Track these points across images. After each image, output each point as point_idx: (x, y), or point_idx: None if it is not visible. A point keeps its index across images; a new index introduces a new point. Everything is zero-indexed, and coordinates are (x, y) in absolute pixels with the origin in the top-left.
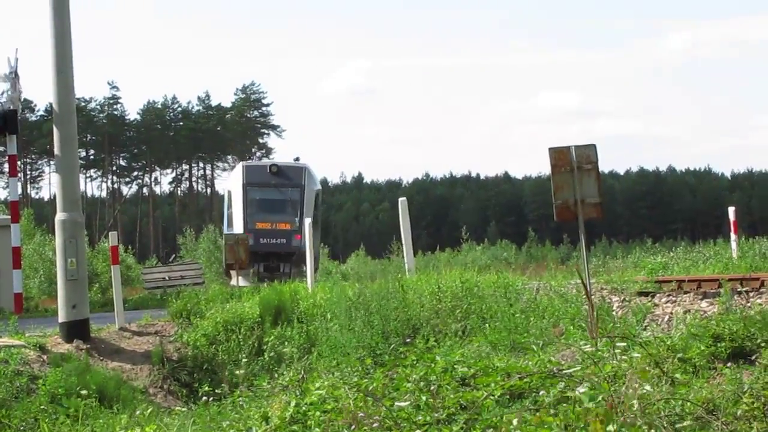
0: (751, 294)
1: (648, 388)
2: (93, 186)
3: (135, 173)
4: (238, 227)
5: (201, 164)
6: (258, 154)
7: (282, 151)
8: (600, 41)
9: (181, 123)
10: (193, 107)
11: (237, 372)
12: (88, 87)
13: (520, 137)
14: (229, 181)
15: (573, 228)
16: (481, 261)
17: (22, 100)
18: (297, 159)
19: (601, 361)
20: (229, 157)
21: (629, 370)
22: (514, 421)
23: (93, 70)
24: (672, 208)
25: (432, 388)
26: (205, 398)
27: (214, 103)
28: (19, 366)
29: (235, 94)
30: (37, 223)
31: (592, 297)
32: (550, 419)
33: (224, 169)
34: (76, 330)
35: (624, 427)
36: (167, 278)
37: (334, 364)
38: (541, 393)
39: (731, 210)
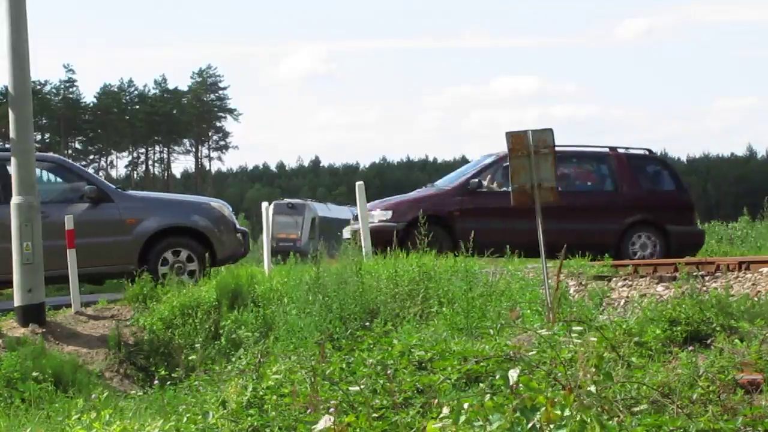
0: (706, 278)
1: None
2: None
3: (91, 157)
4: (268, 238)
5: (157, 148)
6: (219, 149)
7: (239, 134)
8: (557, 26)
9: (138, 106)
10: (149, 91)
11: (193, 356)
12: (44, 69)
13: (477, 121)
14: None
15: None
16: None
17: None
18: (307, 198)
19: (557, 345)
20: (186, 140)
21: (584, 354)
22: (465, 405)
23: (48, 52)
24: None
25: (389, 371)
26: (161, 382)
27: (170, 86)
28: None
29: (192, 77)
30: None
31: (548, 281)
32: (507, 401)
33: (181, 153)
34: (32, 314)
35: (580, 411)
36: None
37: (291, 348)
38: (498, 377)
39: None
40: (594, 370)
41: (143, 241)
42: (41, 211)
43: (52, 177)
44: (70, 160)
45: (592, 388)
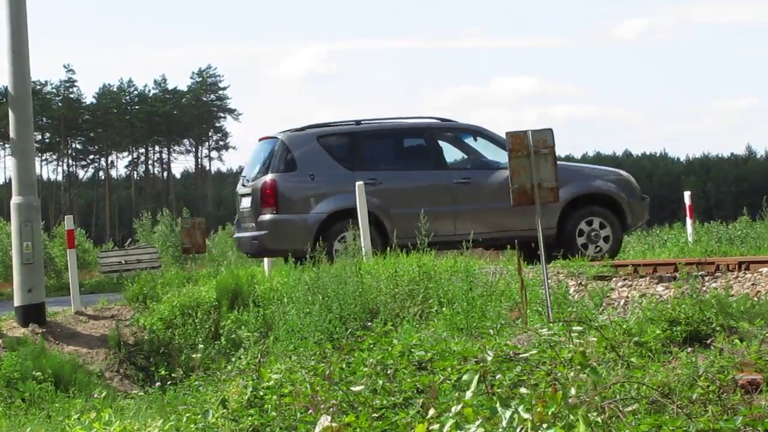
0: (706, 278)
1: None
2: (49, 170)
3: (91, 157)
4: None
5: (157, 148)
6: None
7: (239, 134)
8: (557, 26)
9: (138, 107)
10: (149, 91)
11: (194, 356)
12: (44, 70)
13: (477, 121)
14: None
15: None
16: None
17: None
18: None
19: (557, 345)
20: (186, 140)
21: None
22: (453, 408)
23: (48, 52)
24: None
25: (389, 371)
26: (161, 382)
27: (170, 86)
28: None
29: (192, 77)
30: None
31: (549, 281)
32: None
33: (181, 153)
34: (32, 314)
35: (568, 410)
36: (123, 262)
37: (291, 348)
38: (497, 377)
39: (687, 194)
40: (578, 368)
41: (561, 207)
42: (466, 177)
43: (473, 145)
44: (491, 130)
45: (573, 390)
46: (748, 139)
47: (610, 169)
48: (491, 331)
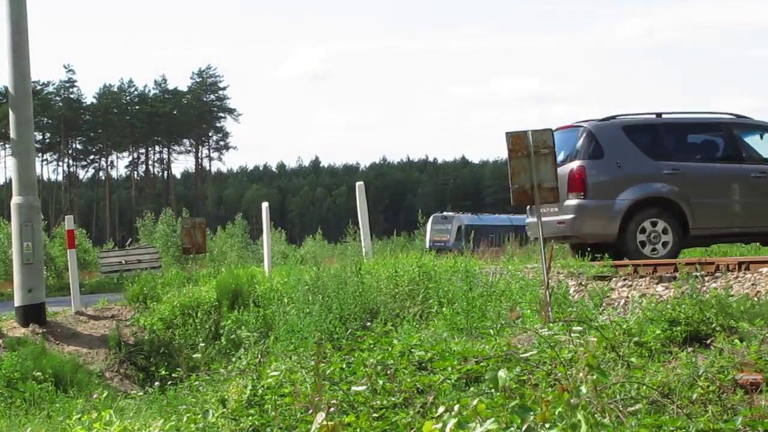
0: (706, 278)
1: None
2: (49, 170)
3: (91, 157)
4: (428, 241)
5: (158, 148)
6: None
7: (239, 134)
8: (557, 26)
9: (138, 107)
10: (149, 91)
11: (195, 355)
12: (45, 70)
13: (477, 122)
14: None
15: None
16: None
17: None
18: (459, 212)
19: (558, 345)
20: (186, 140)
21: (584, 354)
22: (456, 407)
23: (49, 52)
24: None
25: (389, 371)
26: (161, 382)
27: (170, 86)
28: None
29: (192, 77)
30: None
31: (549, 281)
32: (502, 401)
33: (181, 153)
34: (33, 314)
35: (572, 410)
36: (124, 262)
37: (291, 348)
38: (487, 378)
39: None
40: (587, 369)
41: None
42: (763, 172)
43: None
44: None
45: (583, 389)
46: None
47: None
48: (491, 331)
